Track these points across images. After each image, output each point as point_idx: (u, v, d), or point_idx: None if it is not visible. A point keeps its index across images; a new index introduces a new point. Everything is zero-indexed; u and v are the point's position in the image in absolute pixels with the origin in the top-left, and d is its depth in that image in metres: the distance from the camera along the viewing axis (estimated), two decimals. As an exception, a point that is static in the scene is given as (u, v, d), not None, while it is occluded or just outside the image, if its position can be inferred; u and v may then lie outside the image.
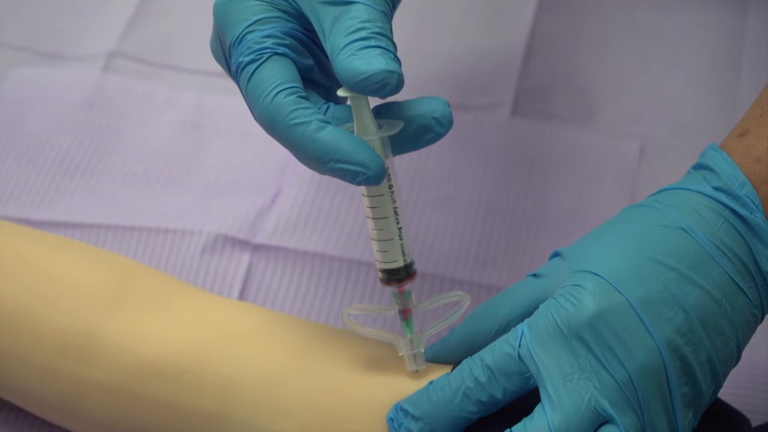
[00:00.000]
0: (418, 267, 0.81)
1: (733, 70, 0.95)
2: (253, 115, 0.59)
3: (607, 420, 0.56)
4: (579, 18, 0.98)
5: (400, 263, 0.61)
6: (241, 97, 0.60)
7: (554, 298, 0.58)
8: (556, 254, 0.62)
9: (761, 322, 0.61)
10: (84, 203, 0.84)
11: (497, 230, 0.84)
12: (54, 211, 0.84)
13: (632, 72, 0.95)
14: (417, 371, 0.62)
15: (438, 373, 0.61)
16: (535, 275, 0.62)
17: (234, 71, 0.60)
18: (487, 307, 0.62)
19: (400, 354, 0.62)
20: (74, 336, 0.65)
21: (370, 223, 0.60)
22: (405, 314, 0.62)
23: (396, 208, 0.60)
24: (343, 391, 0.62)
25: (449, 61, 0.95)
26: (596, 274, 0.58)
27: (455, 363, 0.61)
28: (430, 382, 0.59)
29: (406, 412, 0.59)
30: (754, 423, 0.71)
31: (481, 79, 0.94)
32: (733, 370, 0.61)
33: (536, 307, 0.59)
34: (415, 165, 0.87)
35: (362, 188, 0.59)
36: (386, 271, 0.61)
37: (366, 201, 0.60)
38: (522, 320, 0.59)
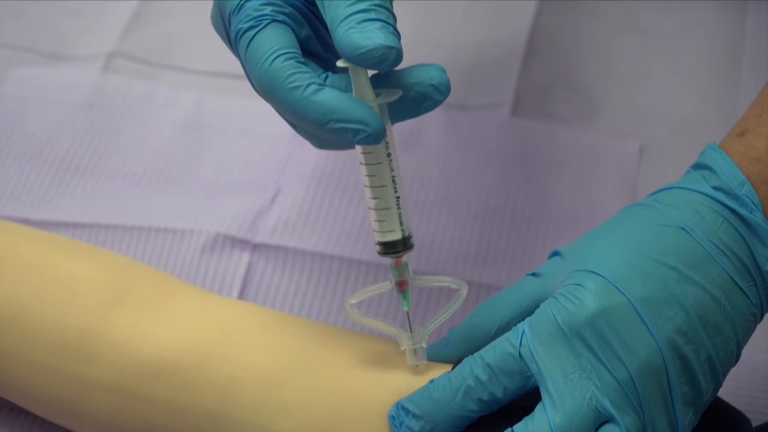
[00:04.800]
0: (418, 267, 0.81)
1: (733, 70, 0.95)
2: (251, 83, 0.59)
3: (607, 419, 0.56)
4: (579, 18, 0.98)
5: (398, 234, 0.60)
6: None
7: (555, 297, 0.58)
8: (555, 253, 0.62)
9: (760, 321, 0.61)
10: (84, 203, 0.84)
11: (497, 230, 0.84)
12: (54, 211, 0.84)
13: (632, 72, 0.95)
14: (417, 366, 0.62)
15: (439, 371, 0.61)
16: (534, 274, 0.62)
17: (233, 39, 0.60)
18: (487, 306, 0.62)
19: (402, 348, 0.62)
20: (74, 335, 0.65)
21: (368, 192, 0.60)
22: (402, 286, 0.62)
23: (394, 176, 0.59)
24: (343, 390, 0.62)
25: (449, 62, 0.95)
26: (597, 274, 0.58)
27: (456, 362, 0.61)
28: (431, 381, 0.59)
29: (407, 411, 0.59)
30: (754, 423, 0.71)
31: (481, 80, 0.94)
32: (733, 370, 0.61)
33: (536, 306, 0.59)
34: (415, 165, 0.87)
35: (360, 156, 0.59)
36: (384, 244, 0.61)
37: (364, 170, 0.59)
38: (522, 319, 0.59)
